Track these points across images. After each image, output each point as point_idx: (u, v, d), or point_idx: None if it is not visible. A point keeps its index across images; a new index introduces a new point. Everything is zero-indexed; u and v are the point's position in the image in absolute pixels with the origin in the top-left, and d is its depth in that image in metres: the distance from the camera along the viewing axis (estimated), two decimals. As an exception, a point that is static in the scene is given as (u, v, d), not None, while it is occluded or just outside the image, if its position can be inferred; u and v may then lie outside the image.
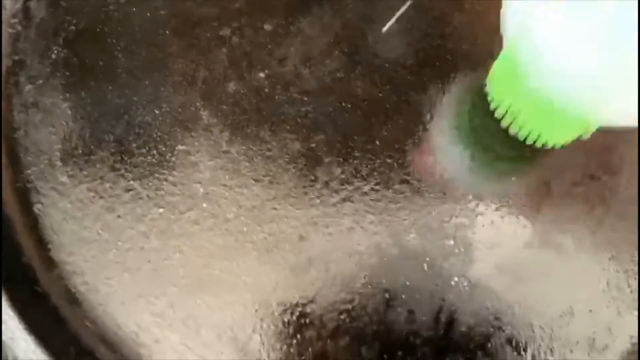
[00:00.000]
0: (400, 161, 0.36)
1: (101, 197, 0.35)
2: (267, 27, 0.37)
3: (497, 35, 0.31)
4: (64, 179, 0.36)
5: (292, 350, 0.34)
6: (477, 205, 0.35)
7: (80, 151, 0.36)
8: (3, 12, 0.37)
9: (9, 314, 0.31)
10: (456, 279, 0.34)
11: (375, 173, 0.35)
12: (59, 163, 0.36)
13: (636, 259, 0.35)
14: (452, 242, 0.35)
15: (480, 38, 0.36)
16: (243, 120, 0.36)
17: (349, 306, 0.34)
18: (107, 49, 0.37)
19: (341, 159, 0.35)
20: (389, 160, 0.36)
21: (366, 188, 0.35)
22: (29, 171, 0.36)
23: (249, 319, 0.34)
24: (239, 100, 0.37)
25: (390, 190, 0.35)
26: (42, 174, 0.36)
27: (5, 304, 0.31)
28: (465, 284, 0.34)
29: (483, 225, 0.35)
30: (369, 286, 0.34)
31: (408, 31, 0.37)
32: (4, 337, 0.31)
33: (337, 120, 0.36)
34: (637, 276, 0.35)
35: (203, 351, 0.34)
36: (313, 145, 0.36)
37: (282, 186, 0.35)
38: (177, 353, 0.34)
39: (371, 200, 0.35)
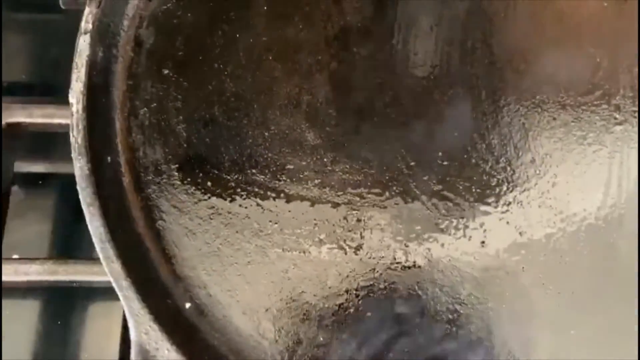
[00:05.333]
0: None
1: (219, 214, 0.38)
2: (363, 51, 0.40)
3: None
4: (183, 196, 0.38)
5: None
6: None
7: (197, 171, 0.38)
8: (118, 39, 0.39)
9: (152, 325, 0.34)
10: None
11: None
12: (177, 182, 0.38)
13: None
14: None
15: None
16: (345, 140, 0.39)
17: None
18: (215, 73, 0.39)
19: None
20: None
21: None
22: (149, 190, 0.38)
23: (364, 326, 0.37)
24: (341, 122, 0.39)
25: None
26: (162, 192, 0.38)
27: (147, 316, 0.34)
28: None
29: None
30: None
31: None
32: (148, 347, 0.33)
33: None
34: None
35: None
36: (412, 163, 0.39)
37: (382, 199, 0.38)
38: None
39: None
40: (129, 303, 0.34)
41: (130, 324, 0.34)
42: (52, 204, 0.45)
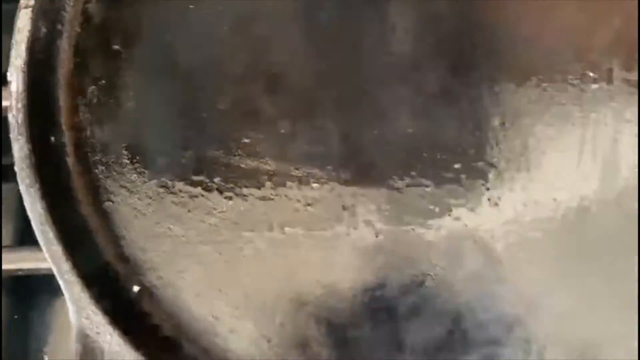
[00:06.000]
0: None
1: (171, 193, 0.36)
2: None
3: None
4: (133, 176, 0.36)
5: (367, 330, 0.34)
6: None
7: (147, 149, 0.36)
8: (63, 15, 0.37)
9: (93, 310, 0.32)
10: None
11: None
12: (126, 161, 0.36)
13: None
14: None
15: None
16: (304, 111, 0.37)
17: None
18: (166, 47, 0.38)
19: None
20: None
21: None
22: (96, 170, 0.36)
23: (324, 305, 0.34)
24: (300, 92, 0.37)
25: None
26: (109, 172, 0.36)
27: (88, 300, 0.32)
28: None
29: None
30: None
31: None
32: (90, 332, 0.31)
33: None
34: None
35: (276, 338, 0.34)
36: (376, 132, 0.36)
37: (348, 173, 0.36)
38: (254, 343, 0.34)
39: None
40: (69, 287, 0.32)
41: (70, 309, 0.32)
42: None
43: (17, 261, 0.36)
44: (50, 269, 0.34)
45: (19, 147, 0.34)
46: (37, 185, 0.33)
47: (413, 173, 0.36)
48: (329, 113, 0.37)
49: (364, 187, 0.36)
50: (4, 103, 0.36)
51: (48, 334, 0.42)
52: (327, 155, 0.36)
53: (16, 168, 0.33)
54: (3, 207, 0.41)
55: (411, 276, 0.35)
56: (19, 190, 0.34)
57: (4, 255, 0.36)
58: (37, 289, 0.42)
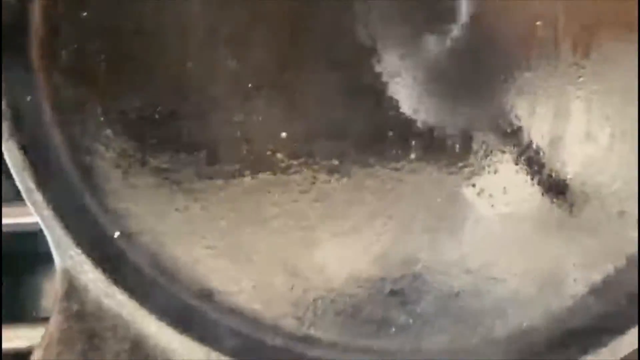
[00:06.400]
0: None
1: (145, 147, 0.37)
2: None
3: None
4: (108, 131, 0.38)
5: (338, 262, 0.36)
6: None
7: (121, 107, 0.38)
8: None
9: (75, 251, 0.33)
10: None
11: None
12: (101, 119, 0.38)
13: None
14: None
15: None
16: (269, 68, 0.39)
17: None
18: (134, 11, 0.39)
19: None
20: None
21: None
22: (73, 128, 0.38)
23: (295, 244, 0.36)
24: (265, 48, 0.39)
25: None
26: (86, 129, 0.38)
27: (70, 242, 0.33)
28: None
29: None
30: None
31: None
32: (73, 272, 0.33)
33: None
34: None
35: (255, 275, 0.36)
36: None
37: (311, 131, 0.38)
38: (232, 279, 0.36)
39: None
40: (52, 232, 0.33)
41: (54, 252, 0.33)
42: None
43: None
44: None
45: (-4, 102, 0.35)
46: (16, 137, 0.34)
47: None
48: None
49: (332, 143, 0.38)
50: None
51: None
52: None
53: (-6, 123, 0.35)
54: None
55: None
56: None
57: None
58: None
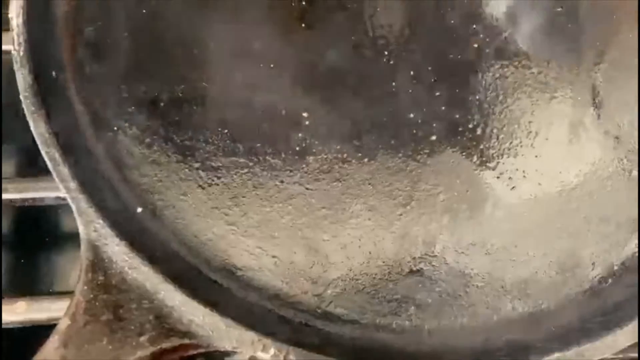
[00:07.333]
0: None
1: (170, 124, 0.38)
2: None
3: None
4: (131, 108, 0.38)
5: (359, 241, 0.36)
6: None
7: (145, 82, 0.38)
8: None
9: (100, 223, 0.33)
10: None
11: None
12: (125, 95, 0.38)
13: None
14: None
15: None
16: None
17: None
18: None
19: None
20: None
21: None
22: (96, 103, 0.38)
23: (316, 223, 0.37)
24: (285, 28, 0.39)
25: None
26: (109, 104, 0.38)
27: (95, 214, 0.33)
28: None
29: None
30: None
31: None
32: (98, 243, 0.33)
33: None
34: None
35: (277, 252, 0.36)
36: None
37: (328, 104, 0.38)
38: (253, 255, 0.36)
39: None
40: (77, 203, 0.33)
41: (79, 223, 0.33)
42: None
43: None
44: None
45: (22, 77, 0.35)
46: (42, 112, 0.35)
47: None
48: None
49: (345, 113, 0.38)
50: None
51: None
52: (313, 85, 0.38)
53: (21, 97, 0.35)
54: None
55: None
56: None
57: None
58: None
